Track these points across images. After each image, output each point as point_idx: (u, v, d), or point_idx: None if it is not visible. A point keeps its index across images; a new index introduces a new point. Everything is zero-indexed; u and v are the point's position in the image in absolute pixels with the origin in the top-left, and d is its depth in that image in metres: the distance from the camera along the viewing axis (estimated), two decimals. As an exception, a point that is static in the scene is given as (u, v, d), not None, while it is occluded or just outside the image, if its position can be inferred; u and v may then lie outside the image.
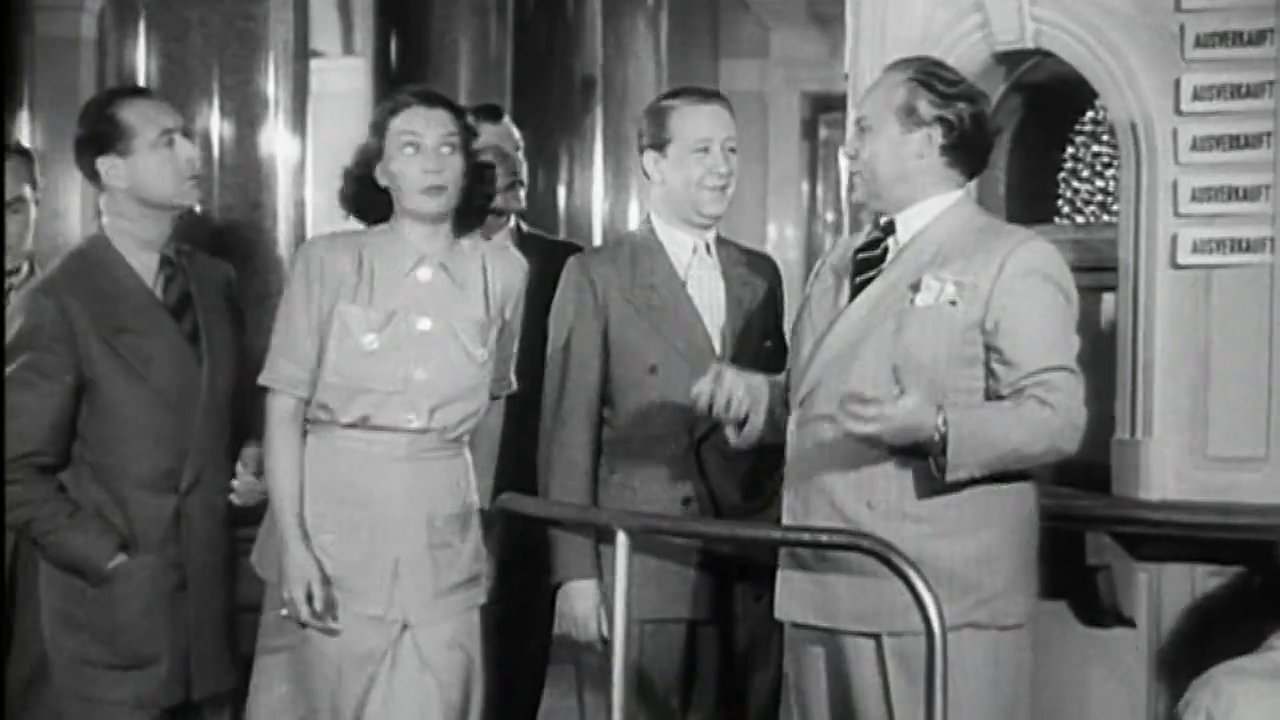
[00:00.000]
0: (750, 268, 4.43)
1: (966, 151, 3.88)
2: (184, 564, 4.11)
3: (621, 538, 3.88)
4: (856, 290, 3.86)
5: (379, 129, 4.05)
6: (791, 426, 3.86)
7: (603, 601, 4.18)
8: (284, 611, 3.96)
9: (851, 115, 3.94)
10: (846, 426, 3.58)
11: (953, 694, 3.56)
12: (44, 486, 4.05)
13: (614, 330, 4.29)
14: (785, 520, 3.85)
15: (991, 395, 3.75)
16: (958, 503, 3.72)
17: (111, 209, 4.17)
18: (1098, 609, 4.28)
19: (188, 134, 4.23)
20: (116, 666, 4.05)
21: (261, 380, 3.99)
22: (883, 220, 3.90)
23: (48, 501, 4.03)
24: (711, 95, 4.44)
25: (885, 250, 3.87)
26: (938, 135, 3.84)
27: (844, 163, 4.08)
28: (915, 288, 3.77)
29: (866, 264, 3.87)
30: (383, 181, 4.04)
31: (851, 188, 3.93)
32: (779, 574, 3.90)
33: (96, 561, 4.02)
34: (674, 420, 4.23)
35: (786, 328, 4.29)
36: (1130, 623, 4.28)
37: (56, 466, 4.08)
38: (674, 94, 4.47)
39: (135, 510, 4.07)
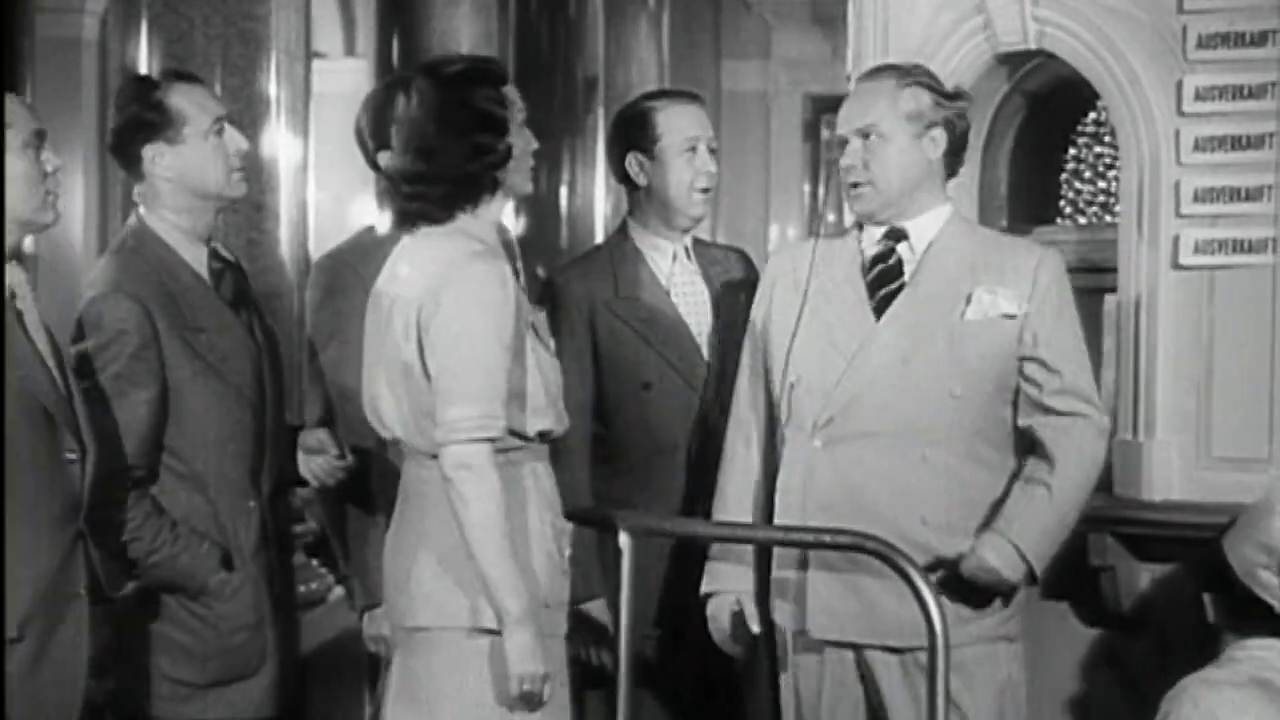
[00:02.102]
0: (727, 267, 4.37)
1: (957, 154, 3.93)
2: (274, 570, 3.94)
3: (625, 539, 3.87)
4: (880, 304, 3.82)
5: (499, 97, 3.58)
6: (816, 444, 3.80)
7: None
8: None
9: (844, 126, 3.86)
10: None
11: (986, 705, 3.78)
12: (142, 504, 3.77)
13: (604, 346, 4.22)
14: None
15: (1029, 408, 3.81)
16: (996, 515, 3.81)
17: (153, 200, 3.91)
18: (1101, 610, 4.27)
19: (232, 121, 4.00)
20: (218, 683, 3.84)
21: (478, 434, 3.45)
22: (883, 229, 3.88)
23: (148, 519, 3.76)
24: (694, 96, 4.41)
25: (900, 260, 3.86)
26: (941, 139, 3.88)
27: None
28: (965, 301, 3.78)
29: (885, 276, 3.85)
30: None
31: (853, 200, 3.86)
32: (810, 591, 3.83)
33: (202, 579, 3.80)
34: (670, 435, 4.19)
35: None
36: (1134, 624, 4.28)
37: (148, 480, 3.81)
38: (653, 96, 4.45)
39: (228, 518, 3.86)
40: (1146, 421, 4.25)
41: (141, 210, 3.93)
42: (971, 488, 3.81)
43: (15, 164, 3.45)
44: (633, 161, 4.29)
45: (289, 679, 3.96)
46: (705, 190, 4.30)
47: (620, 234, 4.38)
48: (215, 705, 3.85)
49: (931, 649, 3.55)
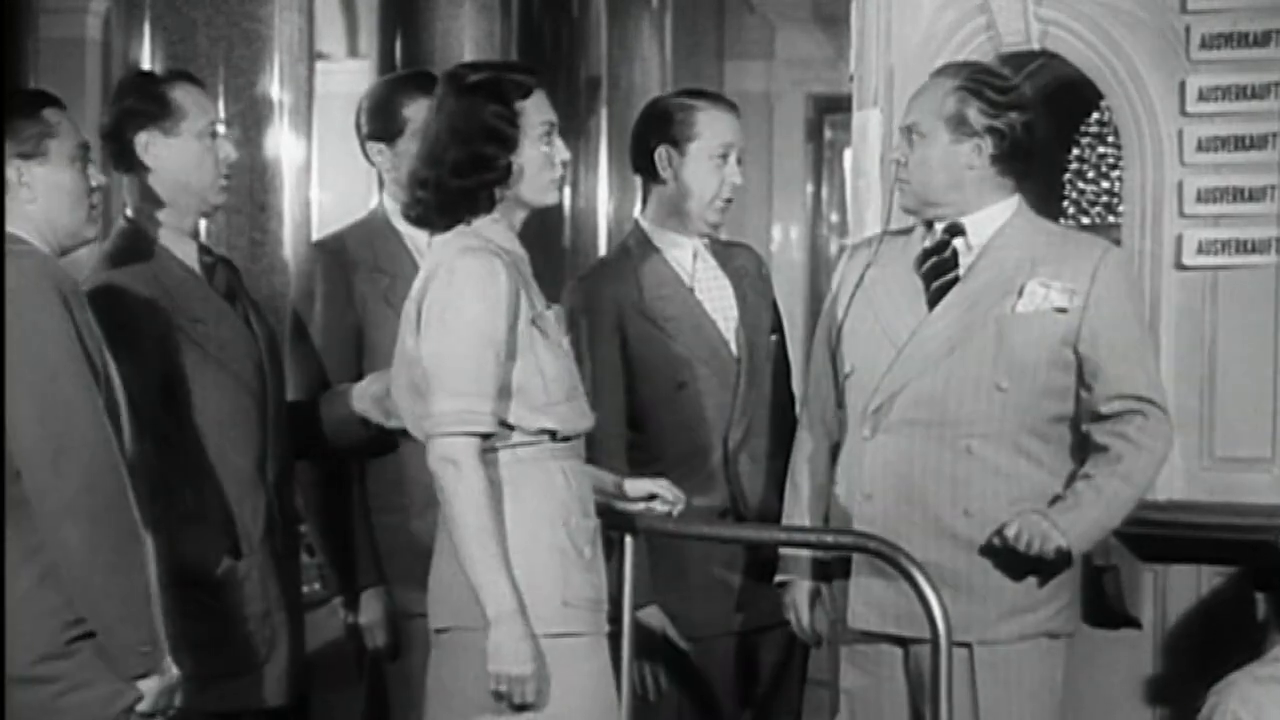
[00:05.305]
0: (742, 260, 4.36)
1: (1017, 159, 3.84)
2: (279, 557, 3.93)
3: (629, 540, 3.87)
4: (934, 296, 3.82)
5: (510, 114, 3.58)
6: (865, 433, 3.80)
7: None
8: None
9: (898, 120, 3.86)
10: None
11: (1025, 707, 3.75)
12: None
13: (634, 349, 4.18)
14: (859, 527, 3.77)
15: (1085, 413, 3.79)
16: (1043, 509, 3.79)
17: (140, 196, 3.93)
18: (1104, 610, 4.27)
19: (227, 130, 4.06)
20: (227, 674, 3.84)
21: (459, 427, 3.42)
22: (941, 224, 3.85)
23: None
24: (732, 105, 4.36)
25: (954, 253, 3.84)
26: (988, 145, 3.81)
27: (849, 163, 4.03)
28: (1016, 293, 3.76)
29: (939, 268, 3.84)
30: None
31: (896, 193, 3.85)
32: (852, 581, 3.83)
33: (208, 568, 3.80)
34: (706, 434, 4.16)
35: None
36: (1136, 623, 4.27)
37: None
38: (693, 94, 4.36)
39: (235, 507, 3.86)
40: (1150, 421, 4.24)
41: (129, 212, 3.95)
42: (1017, 483, 3.77)
43: (61, 176, 3.44)
44: (663, 154, 4.23)
45: (297, 668, 3.95)
46: (729, 200, 4.28)
47: (638, 234, 4.33)
48: (225, 696, 3.83)
49: (935, 648, 3.55)
